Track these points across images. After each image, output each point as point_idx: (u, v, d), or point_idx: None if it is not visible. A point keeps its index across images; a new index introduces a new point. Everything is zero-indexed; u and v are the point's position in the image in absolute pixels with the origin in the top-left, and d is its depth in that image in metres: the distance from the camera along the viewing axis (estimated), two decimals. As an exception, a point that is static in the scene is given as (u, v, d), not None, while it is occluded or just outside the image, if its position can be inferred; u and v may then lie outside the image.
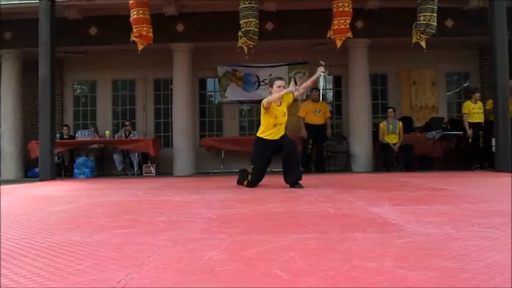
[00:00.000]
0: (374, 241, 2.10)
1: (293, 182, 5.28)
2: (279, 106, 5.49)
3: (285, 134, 5.64)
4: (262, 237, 2.25)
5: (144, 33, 8.43)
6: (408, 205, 3.52)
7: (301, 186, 5.21)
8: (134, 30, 8.39)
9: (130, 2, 8.31)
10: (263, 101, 5.52)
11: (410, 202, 3.77)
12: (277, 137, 5.51)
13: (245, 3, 8.27)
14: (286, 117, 5.61)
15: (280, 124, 5.52)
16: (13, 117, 10.32)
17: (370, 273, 1.54)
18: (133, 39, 8.53)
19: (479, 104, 9.21)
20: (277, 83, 5.52)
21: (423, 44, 8.35)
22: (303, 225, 2.63)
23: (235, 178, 5.97)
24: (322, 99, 10.25)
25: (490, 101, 9.02)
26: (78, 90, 11.99)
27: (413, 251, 1.89)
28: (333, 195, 4.43)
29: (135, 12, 8.33)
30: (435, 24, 8.18)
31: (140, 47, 8.63)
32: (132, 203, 4.22)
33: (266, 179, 5.71)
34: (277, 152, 5.57)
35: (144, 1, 8.39)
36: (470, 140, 9.13)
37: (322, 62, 5.59)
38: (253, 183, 5.52)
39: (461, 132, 9.46)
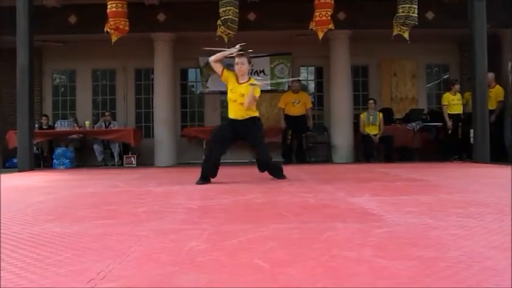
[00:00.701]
0: (354, 231, 2.13)
1: (275, 177, 5.14)
2: (238, 84, 4.98)
3: (252, 122, 5.01)
4: (243, 227, 2.26)
5: (121, 26, 8.43)
6: (388, 195, 3.56)
7: (283, 177, 5.11)
8: (111, 22, 8.36)
9: None
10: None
11: (389, 192, 3.82)
12: (237, 116, 4.98)
13: None
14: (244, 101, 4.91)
15: (235, 101, 4.96)
16: (-10, 107, 10.14)
17: (350, 263, 1.56)
18: (108, 30, 8.47)
19: (458, 95, 9.33)
20: (236, 59, 5.05)
21: (406, 35, 8.41)
22: (284, 215, 2.65)
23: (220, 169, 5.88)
24: (303, 90, 10.28)
25: (468, 94, 9.15)
26: (58, 80, 11.82)
27: (392, 240, 1.92)
28: (314, 185, 4.46)
29: (113, 5, 8.29)
30: (415, 15, 8.25)
31: (114, 39, 8.62)
32: (112, 193, 4.20)
33: (246, 171, 5.69)
34: (237, 137, 5.10)
35: None
36: (449, 131, 9.25)
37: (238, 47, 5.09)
38: (206, 163, 4.93)
39: (440, 124, 9.59)
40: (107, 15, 8.45)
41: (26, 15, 8.02)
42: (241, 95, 4.91)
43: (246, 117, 4.98)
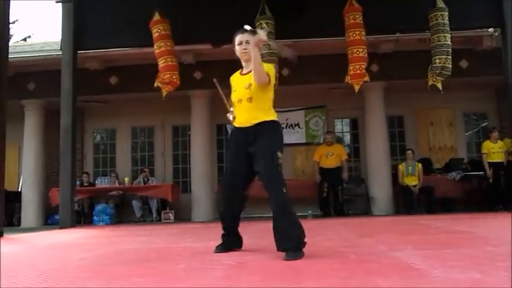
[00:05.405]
0: (397, 287, 2.06)
1: (285, 249, 3.07)
2: (241, 75, 3.56)
3: (268, 128, 3.30)
4: (282, 284, 2.22)
5: (174, 79, 8.34)
6: (431, 249, 3.44)
7: (295, 256, 2.99)
8: (166, 76, 8.31)
9: (157, 51, 8.35)
10: None
11: (433, 246, 3.69)
12: (246, 121, 3.34)
13: (265, 51, 8.38)
14: (251, 92, 3.31)
15: (240, 101, 3.38)
16: (35, 165, 10.54)
17: (395, 321, 1.50)
18: (158, 85, 8.45)
19: (500, 143, 9.13)
20: (238, 38, 3.47)
21: (439, 85, 8.34)
22: (323, 271, 2.59)
23: (254, 224, 5.86)
24: (338, 142, 10.27)
25: (508, 140, 8.94)
26: (98, 138, 12.22)
27: (439, 297, 1.84)
28: (354, 239, 4.37)
29: (168, 59, 8.29)
30: (450, 66, 8.20)
31: (164, 93, 8.49)
32: (151, 250, 4.21)
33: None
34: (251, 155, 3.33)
35: (170, 49, 8.43)
36: (491, 180, 8.99)
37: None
38: (223, 201, 3.56)
39: (482, 173, 9.34)
40: (147, 73, 8.60)
41: (70, 79, 8.38)
42: (248, 86, 3.35)
43: (258, 121, 3.30)
